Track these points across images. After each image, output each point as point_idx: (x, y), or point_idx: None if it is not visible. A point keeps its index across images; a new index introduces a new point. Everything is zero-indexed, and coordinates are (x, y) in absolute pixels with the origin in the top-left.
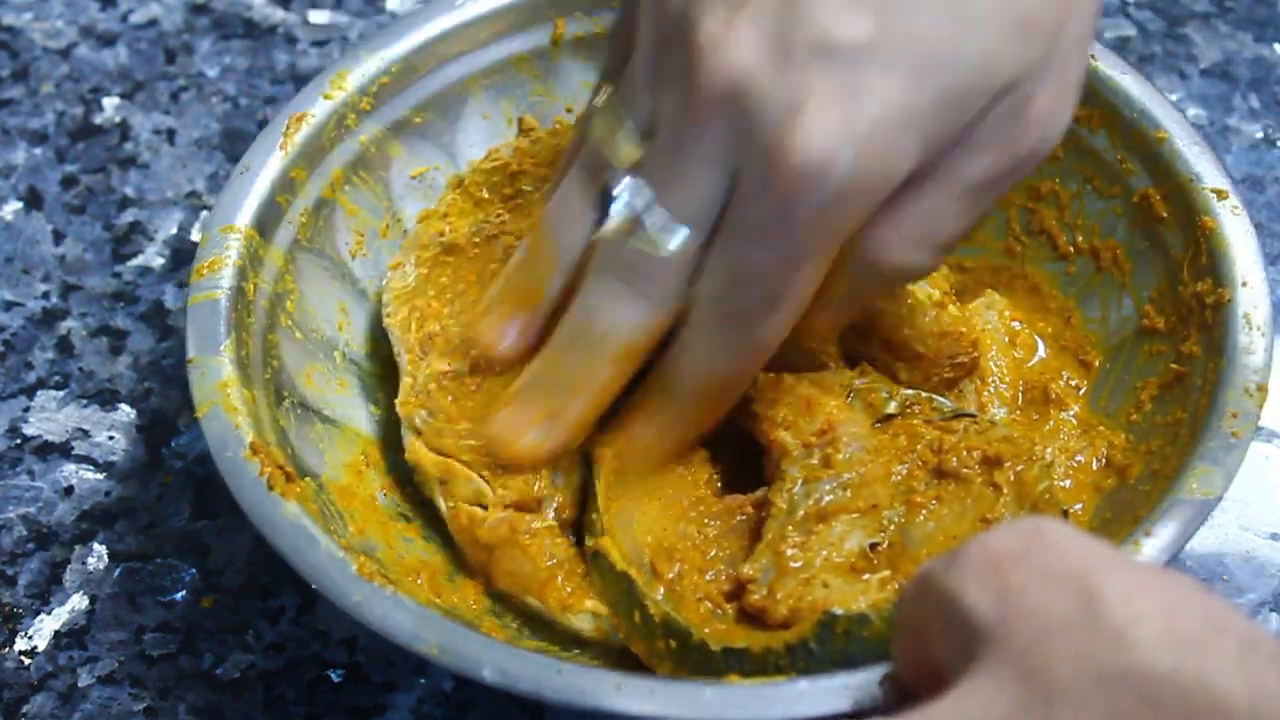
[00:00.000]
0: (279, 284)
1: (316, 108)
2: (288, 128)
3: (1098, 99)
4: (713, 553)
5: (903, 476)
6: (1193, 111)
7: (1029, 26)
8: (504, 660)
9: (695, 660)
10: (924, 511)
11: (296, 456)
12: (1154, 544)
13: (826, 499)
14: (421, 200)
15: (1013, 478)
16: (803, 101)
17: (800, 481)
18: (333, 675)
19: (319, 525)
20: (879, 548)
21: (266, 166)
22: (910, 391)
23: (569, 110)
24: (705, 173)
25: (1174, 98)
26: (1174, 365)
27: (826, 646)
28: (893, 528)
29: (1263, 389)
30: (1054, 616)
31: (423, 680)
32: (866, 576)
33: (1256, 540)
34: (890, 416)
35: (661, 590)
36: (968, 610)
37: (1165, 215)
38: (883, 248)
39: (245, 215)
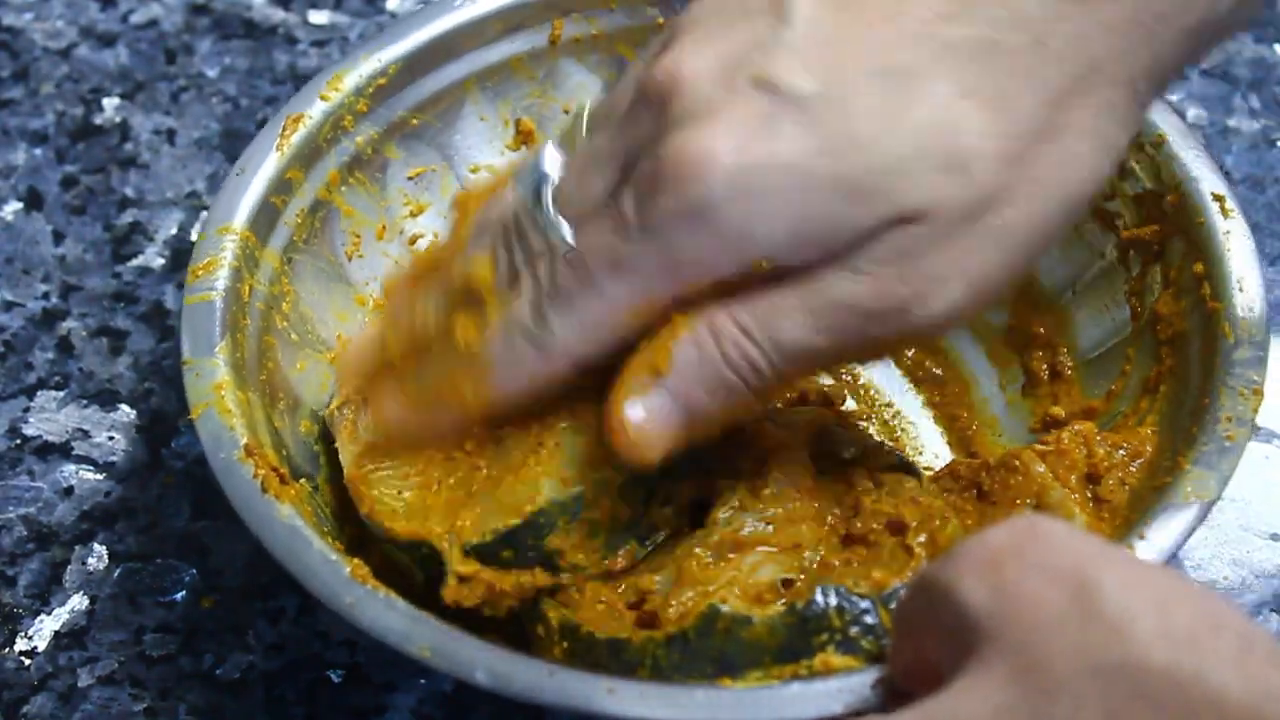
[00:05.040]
0: (275, 286)
1: (313, 109)
2: (284, 129)
3: None
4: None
5: (829, 525)
6: (1193, 112)
7: (959, 165)
8: (496, 663)
9: (582, 655)
10: (835, 571)
11: (291, 458)
12: (1147, 548)
13: (746, 530)
14: (418, 200)
15: (923, 539)
16: (717, 113)
17: (726, 508)
18: (333, 676)
19: (313, 528)
20: (793, 584)
21: (263, 168)
22: (876, 441)
23: (565, 111)
24: (609, 163)
25: (1174, 98)
26: (1169, 367)
27: (705, 641)
28: (814, 568)
29: (1258, 392)
30: (1050, 611)
31: (423, 681)
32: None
33: (1256, 540)
34: (845, 461)
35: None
36: (964, 605)
37: (1160, 217)
38: (722, 325)
39: (241, 217)
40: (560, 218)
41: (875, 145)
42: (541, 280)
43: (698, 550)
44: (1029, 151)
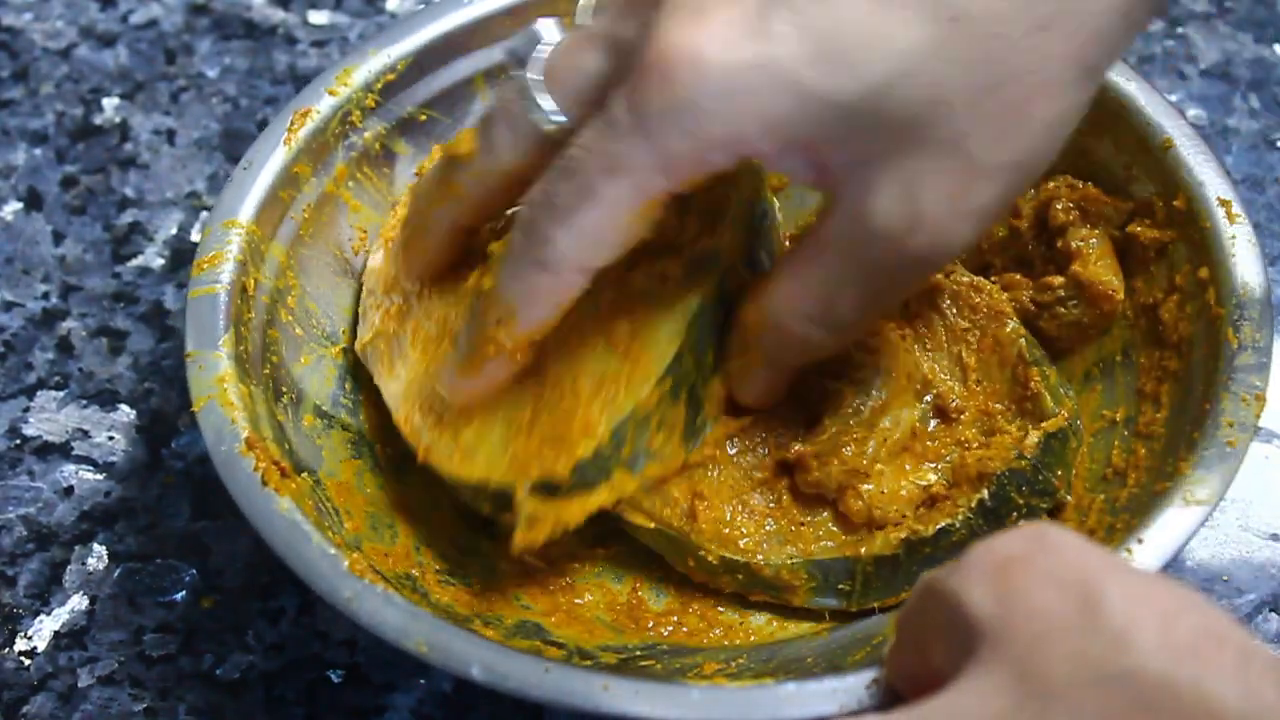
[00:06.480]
0: (280, 279)
1: (321, 104)
2: (292, 123)
3: (1101, 105)
4: (744, 464)
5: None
6: (1193, 112)
7: (942, 97)
8: (492, 659)
9: (763, 583)
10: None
11: (294, 452)
12: (1146, 551)
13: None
14: None
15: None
16: (708, 9)
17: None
18: (333, 676)
19: (313, 522)
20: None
21: (270, 162)
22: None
23: None
24: (601, 46)
25: (1174, 98)
26: (1172, 370)
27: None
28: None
29: (1260, 398)
30: (1054, 619)
31: (423, 681)
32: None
33: (1256, 540)
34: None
35: (697, 532)
36: (969, 611)
37: (1167, 220)
38: (786, 315)
39: (247, 211)
40: (546, 93)
41: (865, 65)
42: (537, 198)
43: (852, 425)
44: (1011, 83)
